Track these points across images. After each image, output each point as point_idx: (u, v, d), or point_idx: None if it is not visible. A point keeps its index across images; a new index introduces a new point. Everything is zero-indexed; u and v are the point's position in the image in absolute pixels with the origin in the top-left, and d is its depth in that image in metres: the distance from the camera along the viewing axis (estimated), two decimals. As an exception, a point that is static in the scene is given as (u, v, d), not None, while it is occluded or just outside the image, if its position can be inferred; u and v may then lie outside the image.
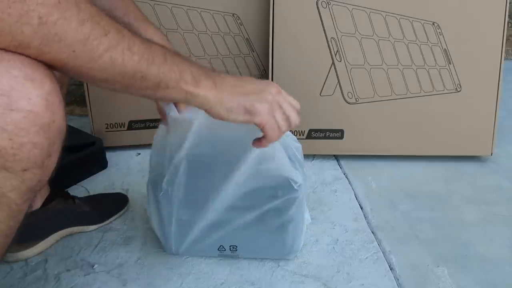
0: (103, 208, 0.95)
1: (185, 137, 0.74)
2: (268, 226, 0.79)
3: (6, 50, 0.39)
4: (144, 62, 0.46)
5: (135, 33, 0.47)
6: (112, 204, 0.98)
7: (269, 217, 0.78)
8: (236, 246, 0.82)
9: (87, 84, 1.20)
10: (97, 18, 0.42)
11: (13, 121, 0.39)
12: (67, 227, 0.89)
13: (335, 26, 1.14)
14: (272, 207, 0.77)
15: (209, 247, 0.83)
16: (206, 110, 0.55)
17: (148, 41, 0.48)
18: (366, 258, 0.86)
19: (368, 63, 1.16)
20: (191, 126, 0.73)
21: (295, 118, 0.62)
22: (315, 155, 1.24)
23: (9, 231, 0.46)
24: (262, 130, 0.60)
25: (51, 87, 0.42)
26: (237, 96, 0.56)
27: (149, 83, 0.48)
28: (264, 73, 1.28)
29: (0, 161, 0.41)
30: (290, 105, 0.63)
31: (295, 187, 0.76)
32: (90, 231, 0.92)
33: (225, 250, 0.83)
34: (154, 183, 0.80)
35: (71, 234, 0.90)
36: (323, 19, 1.14)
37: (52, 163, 0.45)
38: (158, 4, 1.15)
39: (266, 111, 0.59)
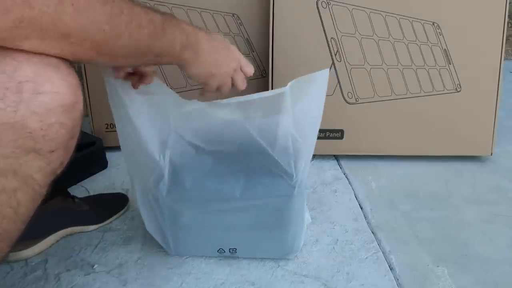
0: (103, 208, 0.95)
1: (165, 135, 0.74)
2: (267, 225, 0.79)
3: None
4: (151, 36, 0.50)
5: (138, 4, 0.50)
6: (112, 204, 0.98)
7: (268, 216, 0.78)
8: (236, 249, 0.82)
9: (87, 84, 1.20)
10: None
11: (42, 103, 0.42)
12: (67, 227, 0.89)
13: (335, 26, 1.14)
14: (271, 206, 0.77)
15: (208, 249, 0.83)
16: (182, 69, 0.62)
17: (149, 11, 0.51)
18: (366, 258, 0.86)
19: (368, 63, 1.16)
20: (165, 119, 0.73)
21: (241, 85, 0.71)
22: (315, 155, 1.24)
23: (27, 216, 0.48)
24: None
25: (67, 70, 0.45)
26: (209, 67, 0.64)
27: (152, 55, 0.53)
28: (264, 73, 1.28)
29: (30, 143, 0.43)
30: (242, 79, 0.71)
31: (291, 183, 0.75)
32: (90, 231, 0.92)
33: (224, 252, 0.83)
34: (142, 188, 0.80)
35: (71, 234, 0.90)
36: (323, 19, 1.14)
37: (73, 145, 0.48)
38: (158, 4, 1.15)
39: (224, 81, 0.68)
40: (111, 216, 0.95)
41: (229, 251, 0.82)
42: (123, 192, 1.06)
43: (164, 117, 0.73)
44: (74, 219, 0.90)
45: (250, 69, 0.71)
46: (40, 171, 0.46)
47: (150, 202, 0.79)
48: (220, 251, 0.82)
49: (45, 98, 0.43)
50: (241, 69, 0.70)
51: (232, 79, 0.69)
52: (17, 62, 0.41)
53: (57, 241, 0.89)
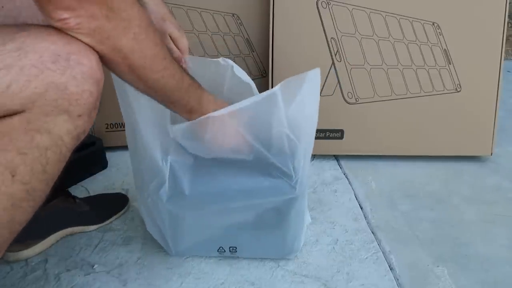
0: (103, 208, 0.95)
1: (166, 142, 0.75)
2: (267, 226, 0.79)
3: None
4: (176, 87, 0.62)
5: (177, 63, 0.62)
6: (112, 204, 0.98)
7: (268, 217, 0.78)
8: (236, 248, 0.82)
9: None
10: (162, 44, 0.58)
11: (81, 72, 0.51)
12: (67, 227, 0.89)
13: (335, 26, 1.14)
14: (271, 206, 0.77)
15: (208, 248, 0.83)
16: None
17: (183, 72, 0.63)
18: (366, 258, 0.86)
19: (368, 63, 1.16)
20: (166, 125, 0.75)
21: None
22: (315, 155, 1.24)
23: (52, 177, 0.54)
24: None
25: (97, 56, 0.54)
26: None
27: (167, 100, 0.64)
28: (264, 73, 1.28)
29: (65, 104, 0.51)
30: None
31: (291, 184, 0.76)
32: (90, 231, 0.92)
33: (224, 251, 0.83)
34: (143, 191, 0.80)
35: (71, 234, 0.91)
36: (323, 19, 1.14)
37: (94, 116, 0.55)
38: (158, 4, 1.15)
39: None
40: (111, 216, 0.95)
41: (229, 250, 0.82)
42: (123, 192, 1.06)
43: (164, 126, 0.74)
44: (74, 219, 0.90)
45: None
46: (69, 133, 0.53)
47: (149, 205, 0.79)
48: (220, 250, 0.82)
49: (84, 68, 0.52)
50: None
51: None
52: (67, 39, 0.51)
53: (57, 241, 0.89)
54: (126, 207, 0.99)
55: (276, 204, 0.77)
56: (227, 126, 0.72)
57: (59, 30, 0.51)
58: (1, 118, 0.50)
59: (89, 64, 0.53)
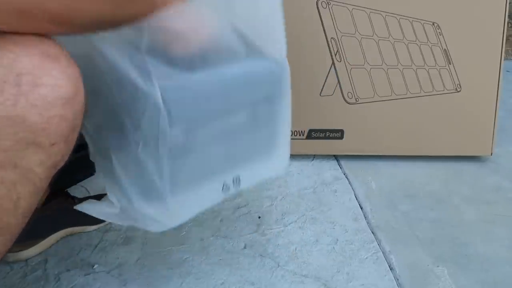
0: None
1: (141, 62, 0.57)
2: (260, 121, 0.67)
3: (20, 33, 0.41)
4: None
5: None
6: None
7: (260, 109, 0.66)
8: (239, 177, 0.70)
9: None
10: None
11: (41, 96, 0.41)
12: (67, 227, 0.89)
13: (335, 26, 1.14)
14: (263, 94, 0.66)
15: (211, 189, 0.68)
16: None
17: None
18: (366, 258, 0.86)
19: (368, 63, 1.16)
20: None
21: None
22: (315, 155, 1.24)
23: (28, 210, 0.47)
24: None
25: (67, 61, 0.44)
26: None
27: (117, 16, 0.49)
28: (264, 73, 1.28)
29: (31, 136, 0.42)
30: None
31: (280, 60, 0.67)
32: (90, 231, 0.92)
33: (229, 188, 0.70)
34: (120, 137, 0.60)
35: (71, 234, 0.91)
36: (323, 19, 1.14)
37: (74, 138, 0.47)
38: (158, 4, 1.15)
39: None
40: None
41: (233, 183, 0.70)
42: (123, 192, 1.06)
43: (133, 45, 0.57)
44: (74, 220, 0.90)
45: None
46: (41, 164, 0.45)
47: (139, 152, 0.60)
48: (225, 188, 0.69)
49: (44, 90, 0.42)
50: None
51: None
52: (15, 55, 0.41)
53: (57, 241, 0.89)
54: None
55: (269, 86, 0.66)
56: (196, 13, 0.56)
57: (4, 45, 0.41)
58: None
59: (52, 82, 0.42)
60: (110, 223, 0.95)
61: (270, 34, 0.66)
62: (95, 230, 0.92)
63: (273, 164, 0.75)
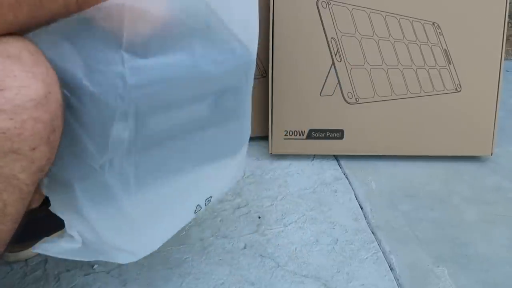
0: None
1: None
2: (225, 115, 0.61)
3: None
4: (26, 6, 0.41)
5: None
6: None
7: (225, 100, 0.60)
8: (211, 197, 0.66)
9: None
10: None
11: (7, 100, 0.38)
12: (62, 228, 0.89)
13: (335, 26, 1.14)
14: (229, 85, 0.60)
15: (183, 211, 0.65)
16: None
17: None
18: (366, 258, 0.86)
19: (368, 63, 1.16)
20: None
21: None
22: (315, 155, 1.24)
23: (17, 216, 0.46)
24: None
25: (31, 58, 0.40)
26: None
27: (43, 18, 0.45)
28: (264, 73, 1.28)
29: (7, 144, 0.39)
30: None
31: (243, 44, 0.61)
32: None
33: (201, 208, 0.67)
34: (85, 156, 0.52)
35: None
36: (323, 19, 1.14)
37: (57, 138, 0.44)
38: (158, 4, 1.15)
39: None
40: None
41: (205, 203, 0.67)
42: (123, 192, 1.06)
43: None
44: None
45: None
46: (24, 170, 0.42)
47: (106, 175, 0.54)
48: (197, 210, 0.66)
49: (9, 94, 0.38)
50: None
51: None
52: None
53: None
54: None
55: (236, 76, 0.60)
56: None
57: None
58: None
59: (15, 83, 0.39)
60: None
61: (245, 21, 0.61)
62: None
63: (238, 166, 0.69)
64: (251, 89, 0.66)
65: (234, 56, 0.59)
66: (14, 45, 0.40)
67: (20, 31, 0.42)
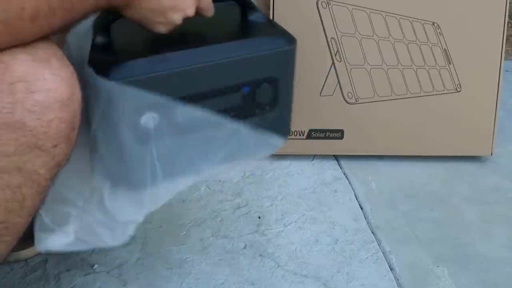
0: None
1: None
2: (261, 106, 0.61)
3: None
4: (42, 13, 0.44)
5: None
6: None
7: (261, 92, 0.59)
8: None
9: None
10: None
11: (37, 102, 0.42)
12: None
13: (335, 26, 1.14)
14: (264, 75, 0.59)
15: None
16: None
17: None
18: (366, 258, 0.87)
19: (368, 63, 1.16)
20: None
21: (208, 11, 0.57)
22: (315, 155, 1.24)
23: (33, 210, 0.49)
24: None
25: (59, 63, 0.44)
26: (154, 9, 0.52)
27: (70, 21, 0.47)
28: (264, 73, 1.28)
29: (32, 140, 0.43)
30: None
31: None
32: None
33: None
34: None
35: None
36: (323, 19, 1.14)
37: (75, 135, 0.48)
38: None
39: None
40: None
41: None
42: (123, 192, 1.06)
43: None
44: None
45: (210, 6, 0.56)
46: (44, 166, 0.47)
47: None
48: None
49: (39, 96, 0.42)
50: None
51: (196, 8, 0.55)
52: (4, 64, 0.41)
53: None
54: None
55: (271, 67, 0.58)
56: None
57: None
58: None
59: (45, 86, 0.42)
60: None
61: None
62: None
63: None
64: (293, 81, 0.63)
65: (270, 44, 0.57)
66: (44, 50, 0.44)
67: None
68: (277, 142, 0.63)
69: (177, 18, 0.53)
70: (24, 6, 0.40)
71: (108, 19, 0.53)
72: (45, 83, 0.42)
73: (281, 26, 0.61)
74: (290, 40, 0.60)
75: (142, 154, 0.54)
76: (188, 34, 0.56)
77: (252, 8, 0.60)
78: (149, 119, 0.52)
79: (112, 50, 0.54)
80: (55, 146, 0.46)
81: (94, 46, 0.53)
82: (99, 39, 0.53)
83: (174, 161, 0.57)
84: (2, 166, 0.44)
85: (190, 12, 0.54)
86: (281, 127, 0.64)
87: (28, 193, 0.47)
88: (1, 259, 0.51)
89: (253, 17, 0.60)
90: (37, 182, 0.47)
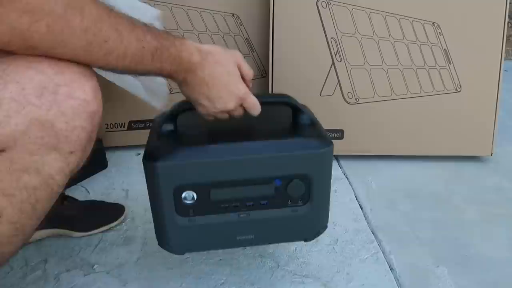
0: (92, 217, 0.93)
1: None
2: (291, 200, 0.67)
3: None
4: (133, 64, 0.52)
5: (133, 29, 0.51)
6: (104, 215, 0.94)
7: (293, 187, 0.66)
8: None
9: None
10: (100, 24, 0.47)
11: (71, 107, 0.47)
12: (52, 228, 0.88)
13: (335, 26, 1.14)
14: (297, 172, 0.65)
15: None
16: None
17: (144, 38, 0.52)
18: (366, 258, 0.86)
19: (368, 63, 1.16)
20: None
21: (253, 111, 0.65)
22: (315, 155, 1.24)
23: (43, 215, 0.52)
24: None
25: (95, 82, 0.50)
26: (205, 93, 0.61)
27: (135, 73, 0.55)
28: (264, 73, 1.28)
29: (53, 141, 0.47)
30: (252, 105, 0.64)
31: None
32: (74, 237, 0.90)
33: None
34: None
35: (58, 236, 0.89)
36: (323, 19, 1.14)
37: (89, 149, 0.52)
38: (158, 4, 1.15)
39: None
40: (99, 227, 0.92)
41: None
42: (123, 192, 1.06)
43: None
44: (60, 222, 0.88)
45: (255, 107, 0.64)
46: (60, 172, 0.50)
47: None
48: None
49: (75, 102, 0.47)
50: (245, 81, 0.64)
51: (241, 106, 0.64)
52: (58, 67, 0.46)
53: (43, 238, 0.88)
54: (118, 220, 0.94)
55: (303, 166, 0.64)
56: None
57: (49, 58, 0.46)
58: None
59: (83, 96, 0.48)
60: (95, 234, 0.92)
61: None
62: (78, 237, 0.90)
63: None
64: (330, 179, 0.68)
65: (303, 147, 0.64)
66: (91, 71, 0.50)
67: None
68: (306, 236, 0.71)
69: (219, 112, 0.62)
70: (107, 40, 0.48)
71: (176, 111, 0.65)
72: (83, 94, 0.48)
73: (322, 128, 0.68)
74: (326, 143, 0.65)
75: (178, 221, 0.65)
76: (240, 127, 0.66)
77: (299, 110, 0.68)
78: (188, 196, 0.63)
79: (172, 137, 0.65)
80: (72, 152, 0.49)
81: (161, 132, 0.65)
82: (165, 127, 0.65)
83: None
84: (24, 165, 0.47)
85: (235, 112, 0.63)
86: (313, 222, 0.70)
87: (41, 197, 0.49)
88: (4, 262, 0.52)
89: (300, 118, 0.68)
90: (51, 187, 0.50)
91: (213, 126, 0.66)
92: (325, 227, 0.73)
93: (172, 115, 0.66)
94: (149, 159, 0.63)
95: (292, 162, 0.63)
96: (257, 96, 0.63)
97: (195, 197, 0.64)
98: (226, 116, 0.63)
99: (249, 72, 0.64)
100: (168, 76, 0.58)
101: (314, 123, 0.69)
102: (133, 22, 0.51)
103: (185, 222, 0.65)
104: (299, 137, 0.65)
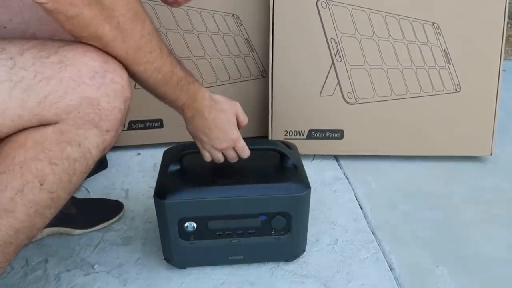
0: (92, 214, 0.93)
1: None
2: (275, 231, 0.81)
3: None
4: (161, 82, 0.62)
5: (170, 55, 0.61)
6: (103, 211, 0.95)
7: (276, 221, 0.80)
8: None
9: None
10: (151, 37, 0.57)
11: (113, 89, 0.55)
12: (52, 226, 0.88)
13: (335, 26, 1.14)
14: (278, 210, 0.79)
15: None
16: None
17: (175, 66, 0.63)
18: (366, 258, 0.87)
19: (368, 63, 1.16)
20: None
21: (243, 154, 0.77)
22: (315, 155, 1.24)
23: (75, 188, 0.58)
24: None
25: (126, 74, 0.58)
26: (205, 133, 0.73)
27: (155, 93, 0.64)
28: (264, 73, 1.28)
29: (96, 118, 0.55)
30: (241, 149, 0.76)
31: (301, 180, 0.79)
32: (75, 235, 0.91)
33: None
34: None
35: (58, 234, 0.90)
36: (323, 19, 1.14)
37: (119, 132, 0.59)
38: (158, 4, 1.15)
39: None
40: (98, 224, 0.93)
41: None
42: (123, 192, 1.06)
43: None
44: (59, 220, 0.87)
45: (244, 150, 0.76)
46: (97, 147, 0.57)
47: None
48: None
49: (117, 86, 0.55)
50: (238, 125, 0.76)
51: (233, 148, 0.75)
52: (106, 57, 0.55)
53: (43, 238, 0.88)
54: (118, 216, 0.96)
55: (284, 206, 0.78)
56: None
57: (99, 49, 0.55)
58: (36, 128, 0.53)
59: (122, 82, 0.56)
60: (97, 230, 0.92)
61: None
62: (79, 237, 0.90)
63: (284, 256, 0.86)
64: (307, 215, 0.82)
65: (284, 191, 0.77)
66: (122, 64, 0.58)
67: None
68: (287, 257, 0.85)
69: (213, 149, 0.74)
70: (152, 52, 0.58)
71: (182, 154, 0.79)
72: (122, 80, 0.56)
73: (304, 172, 0.81)
74: (305, 187, 0.78)
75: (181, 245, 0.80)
76: (234, 170, 0.79)
77: (285, 155, 0.81)
78: (190, 225, 0.78)
79: (178, 177, 0.78)
80: (108, 131, 0.57)
81: (169, 172, 0.79)
82: (173, 167, 0.79)
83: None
84: (70, 137, 0.54)
85: (227, 152, 0.75)
86: (293, 247, 0.83)
87: (78, 169, 0.56)
88: (32, 237, 0.57)
89: (285, 163, 0.81)
90: (87, 161, 0.57)
91: (212, 167, 0.78)
92: (303, 250, 0.86)
93: (179, 157, 0.79)
94: (159, 197, 0.75)
95: (275, 202, 0.77)
96: (251, 141, 0.76)
97: (196, 226, 0.78)
98: (220, 154, 0.75)
99: (244, 120, 0.75)
100: (180, 107, 0.68)
101: (297, 167, 0.81)
102: (170, 51, 0.62)
103: (187, 245, 0.79)
104: (282, 181, 0.78)
